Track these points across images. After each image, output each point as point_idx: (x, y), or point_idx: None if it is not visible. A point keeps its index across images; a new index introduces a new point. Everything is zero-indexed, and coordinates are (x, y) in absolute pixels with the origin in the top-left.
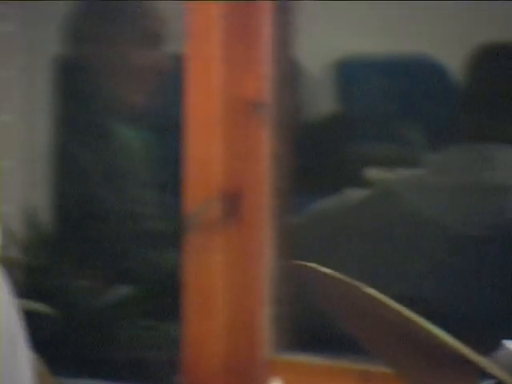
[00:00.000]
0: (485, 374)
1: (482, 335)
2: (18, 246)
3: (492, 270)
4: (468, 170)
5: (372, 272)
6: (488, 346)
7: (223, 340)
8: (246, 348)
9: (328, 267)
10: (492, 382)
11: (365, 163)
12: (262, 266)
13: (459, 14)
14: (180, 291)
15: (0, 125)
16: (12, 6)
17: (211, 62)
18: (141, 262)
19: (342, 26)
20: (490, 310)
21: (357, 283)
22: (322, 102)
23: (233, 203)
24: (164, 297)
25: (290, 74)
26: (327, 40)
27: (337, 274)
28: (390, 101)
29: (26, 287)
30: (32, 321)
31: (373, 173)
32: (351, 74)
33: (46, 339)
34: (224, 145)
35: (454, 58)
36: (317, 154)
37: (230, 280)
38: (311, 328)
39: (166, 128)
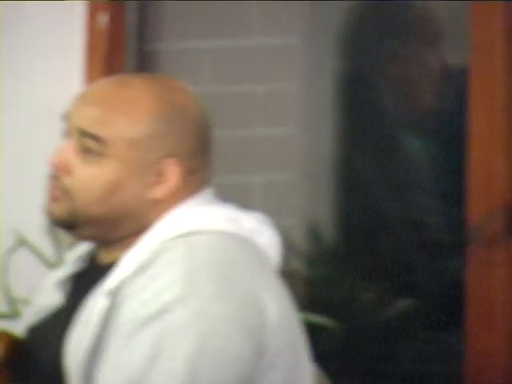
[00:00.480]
0: None
1: None
2: (301, 259)
3: None
4: None
5: None
6: None
7: (506, 353)
8: None
9: None
10: None
11: None
12: None
13: None
14: (462, 303)
15: (283, 137)
16: (296, 19)
17: (494, 73)
18: (424, 273)
19: None
20: None
21: None
22: None
23: None
24: (446, 309)
25: None
26: None
27: None
28: None
29: (308, 300)
30: (314, 333)
31: None
32: None
33: (328, 352)
34: (507, 158)
35: None
36: None
37: (511, 294)
38: None
39: (450, 138)
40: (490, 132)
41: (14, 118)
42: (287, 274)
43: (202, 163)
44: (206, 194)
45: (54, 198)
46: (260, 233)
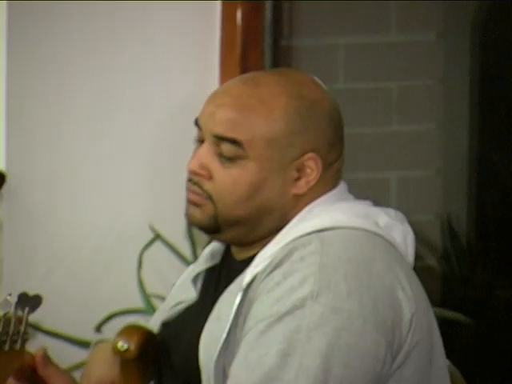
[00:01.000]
0: None
1: None
2: (436, 255)
3: None
4: None
5: None
6: None
7: None
8: None
9: None
10: None
11: None
12: None
13: None
14: None
15: (419, 134)
16: (432, 16)
17: None
18: None
19: None
20: None
21: None
22: None
23: None
24: None
25: None
26: None
27: None
28: None
29: (444, 296)
30: (449, 329)
31: None
32: None
33: (462, 348)
34: None
35: None
36: None
37: None
38: None
39: None
40: None
41: (152, 117)
42: (422, 271)
43: (336, 156)
44: (341, 190)
45: (195, 204)
46: (394, 229)
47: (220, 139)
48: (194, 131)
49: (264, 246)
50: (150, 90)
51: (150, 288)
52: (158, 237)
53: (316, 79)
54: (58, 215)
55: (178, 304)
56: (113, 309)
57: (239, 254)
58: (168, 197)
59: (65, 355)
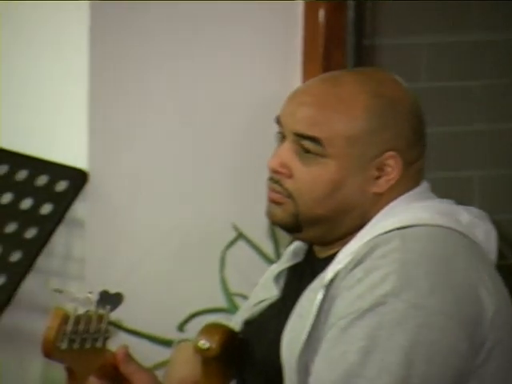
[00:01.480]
0: None
1: None
2: None
3: None
4: None
5: None
6: None
7: None
8: None
9: None
10: None
11: None
12: None
13: None
14: None
15: (501, 133)
16: None
17: None
18: None
19: None
20: None
21: None
22: None
23: None
24: None
25: None
26: None
27: None
28: None
29: None
30: None
31: None
32: None
33: None
34: None
35: None
36: None
37: None
38: None
39: None
40: None
41: (234, 116)
42: (504, 269)
43: (418, 154)
44: (423, 189)
45: (275, 202)
46: (477, 227)
47: (300, 137)
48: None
49: (345, 244)
50: (233, 89)
51: (233, 287)
52: (240, 236)
53: (397, 78)
54: (139, 214)
55: (260, 302)
56: (195, 308)
57: (321, 252)
58: (251, 196)
59: (147, 354)
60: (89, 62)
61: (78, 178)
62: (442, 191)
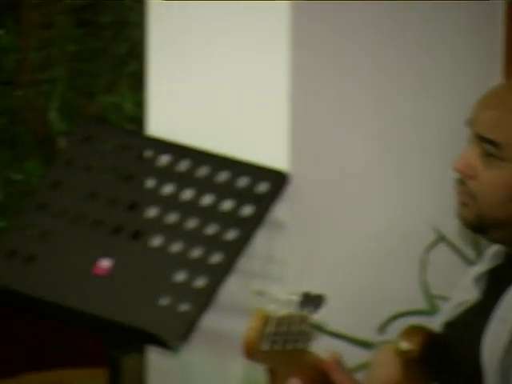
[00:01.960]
0: None
1: None
2: None
3: None
4: None
5: None
6: None
7: None
8: None
9: None
10: None
11: None
12: None
13: None
14: None
15: None
16: None
17: None
18: None
19: None
20: None
21: None
22: None
23: None
24: None
25: None
26: None
27: None
28: None
29: None
30: None
31: None
32: None
33: None
34: None
35: None
36: None
37: None
38: None
39: None
40: None
41: (434, 116)
42: None
43: None
44: None
45: (462, 203)
46: None
47: (482, 139)
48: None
49: None
50: (431, 88)
51: (434, 289)
52: (441, 238)
53: None
54: (341, 216)
55: (459, 304)
56: (395, 310)
57: None
58: (453, 198)
59: (347, 356)
60: (289, 63)
61: (279, 180)
62: None
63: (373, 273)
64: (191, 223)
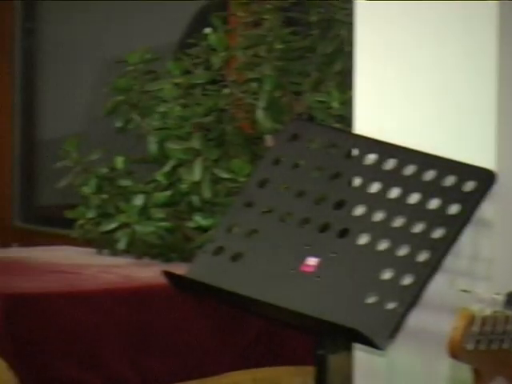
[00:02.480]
0: None
1: None
2: None
3: None
4: None
5: None
6: None
7: None
8: None
9: None
10: None
11: None
12: None
13: None
14: None
15: None
16: None
17: None
18: None
19: None
20: None
21: None
22: None
23: None
24: None
25: None
26: None
27: None
28: None
29: None
30: None
31: None
32: None
33: None
34: None
35: None
36: None
37: None
38: None
39: None
40: None
41: None
42: None
43: None
44: None
45: None
46: None
47: None
48: None
49: None
50: None
51: None
52: None
53: None
54: None
55: None
56: None
57: None
58: None
59: None
60: (497, 63)
61: (486, 179)
62: None
63: None
64: (398, 221)
